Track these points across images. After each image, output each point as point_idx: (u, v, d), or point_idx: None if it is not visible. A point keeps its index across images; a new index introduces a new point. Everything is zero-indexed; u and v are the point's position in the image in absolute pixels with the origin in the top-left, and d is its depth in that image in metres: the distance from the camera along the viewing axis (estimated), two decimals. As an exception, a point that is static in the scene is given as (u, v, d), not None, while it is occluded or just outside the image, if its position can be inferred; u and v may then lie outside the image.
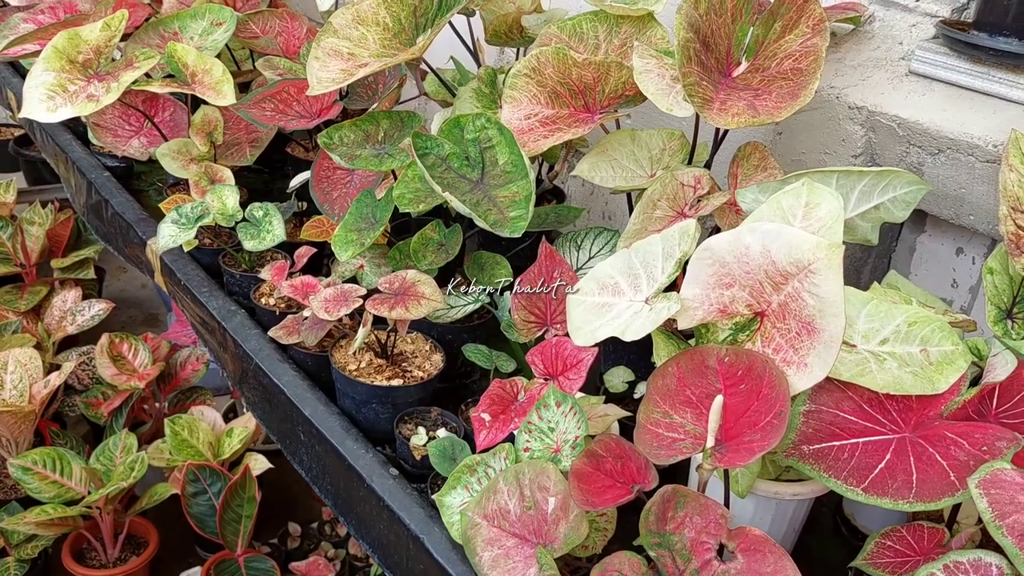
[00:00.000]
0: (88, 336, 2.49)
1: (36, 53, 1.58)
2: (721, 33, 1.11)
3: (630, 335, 0.90)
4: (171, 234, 1.44)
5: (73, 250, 2.70)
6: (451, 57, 1.57)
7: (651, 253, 0.96)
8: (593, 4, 1.32)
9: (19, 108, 1.61)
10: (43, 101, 1.42)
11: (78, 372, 2.39)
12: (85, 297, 2.55)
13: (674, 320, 0.90)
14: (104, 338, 2.21)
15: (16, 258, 2.61)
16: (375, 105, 1.56)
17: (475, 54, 1.59)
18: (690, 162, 1.24)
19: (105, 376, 2.18)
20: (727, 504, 0.86)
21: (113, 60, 1.70)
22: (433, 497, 1.02)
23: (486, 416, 1.03)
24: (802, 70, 1.07)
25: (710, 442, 0.82)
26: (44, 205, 2.73)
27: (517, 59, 1.75)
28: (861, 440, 0.87)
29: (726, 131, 1.22)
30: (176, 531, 2.19)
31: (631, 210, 1.37)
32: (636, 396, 1.28)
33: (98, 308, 2.48)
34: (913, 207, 1.09)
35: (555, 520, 0.90)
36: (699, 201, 1.15)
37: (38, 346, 2.42)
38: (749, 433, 0.83)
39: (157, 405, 2.33)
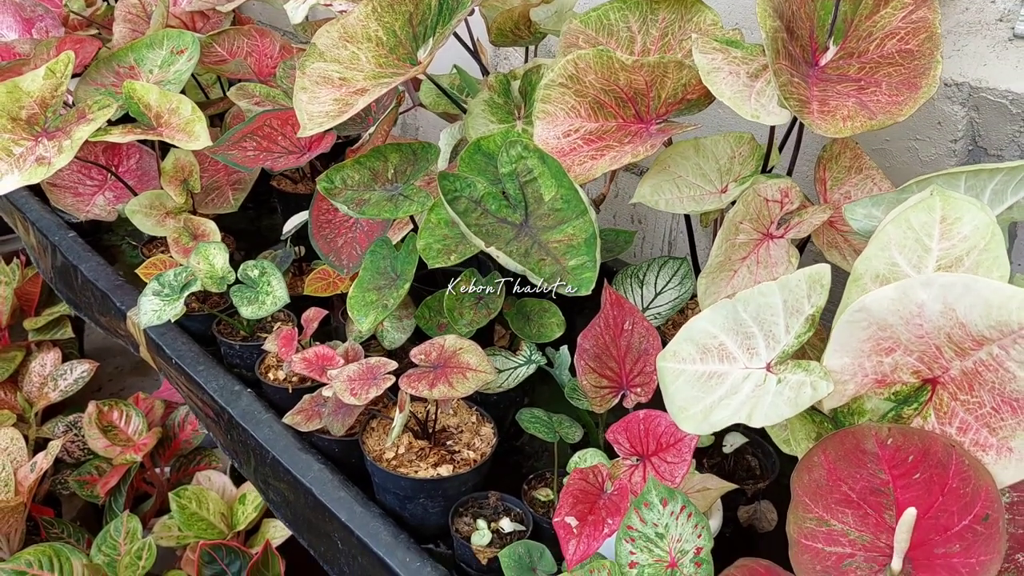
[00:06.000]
0: (74, 400, 2.28)
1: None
2: (802, 14, 0.91)
3: (760, 419, 0.71)
4: (154, 309, 1.23)
5: (46, 307, 2.47)
6: (455, 66, 1.36)
7: (767, 306, 0.76)
8: (621, -12, 1.12)
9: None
10: (-15, 169, 1.20)
11: (67, 445, 2.17)
12: (65, 358, 2.33)
13: (814, 395, 0.71)
14: (91, 407, 1.99)
15: (-16, 323, 2.38)
16: (371, 129, 1.34)
17: (478, 58, 1.38)
18: (765, 169, 1.04)
19: (97, 449, 1.97)
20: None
21: (67, 105, 1.48)
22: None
23: (572, 521, 0.84)
24: (913, 51, 0.86)
25: (897, 564, 0.63)
26: (8, 260, 2.50)
27: (526, 59, 1.54)
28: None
29: (802, 127, 1.02)
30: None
31: (690, 230, 1.17)
32: (726, 450, 1.09)
33: (81, 370, 2.26)
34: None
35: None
36: (789, 219, 0.95)
37: (20, 419, 2.21)
38: (941, 543, 0.64)
39: (159, 471, 2.12)
